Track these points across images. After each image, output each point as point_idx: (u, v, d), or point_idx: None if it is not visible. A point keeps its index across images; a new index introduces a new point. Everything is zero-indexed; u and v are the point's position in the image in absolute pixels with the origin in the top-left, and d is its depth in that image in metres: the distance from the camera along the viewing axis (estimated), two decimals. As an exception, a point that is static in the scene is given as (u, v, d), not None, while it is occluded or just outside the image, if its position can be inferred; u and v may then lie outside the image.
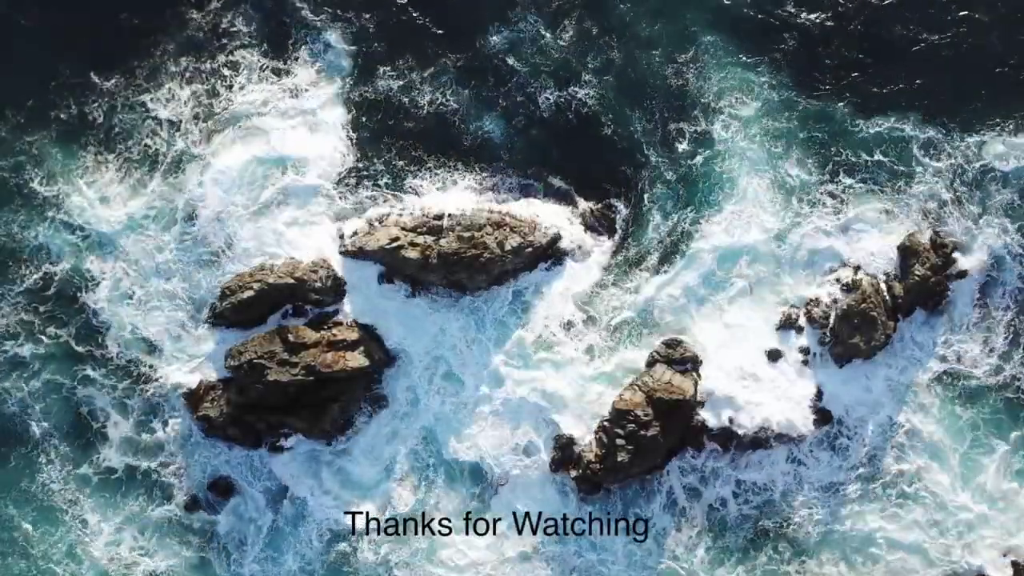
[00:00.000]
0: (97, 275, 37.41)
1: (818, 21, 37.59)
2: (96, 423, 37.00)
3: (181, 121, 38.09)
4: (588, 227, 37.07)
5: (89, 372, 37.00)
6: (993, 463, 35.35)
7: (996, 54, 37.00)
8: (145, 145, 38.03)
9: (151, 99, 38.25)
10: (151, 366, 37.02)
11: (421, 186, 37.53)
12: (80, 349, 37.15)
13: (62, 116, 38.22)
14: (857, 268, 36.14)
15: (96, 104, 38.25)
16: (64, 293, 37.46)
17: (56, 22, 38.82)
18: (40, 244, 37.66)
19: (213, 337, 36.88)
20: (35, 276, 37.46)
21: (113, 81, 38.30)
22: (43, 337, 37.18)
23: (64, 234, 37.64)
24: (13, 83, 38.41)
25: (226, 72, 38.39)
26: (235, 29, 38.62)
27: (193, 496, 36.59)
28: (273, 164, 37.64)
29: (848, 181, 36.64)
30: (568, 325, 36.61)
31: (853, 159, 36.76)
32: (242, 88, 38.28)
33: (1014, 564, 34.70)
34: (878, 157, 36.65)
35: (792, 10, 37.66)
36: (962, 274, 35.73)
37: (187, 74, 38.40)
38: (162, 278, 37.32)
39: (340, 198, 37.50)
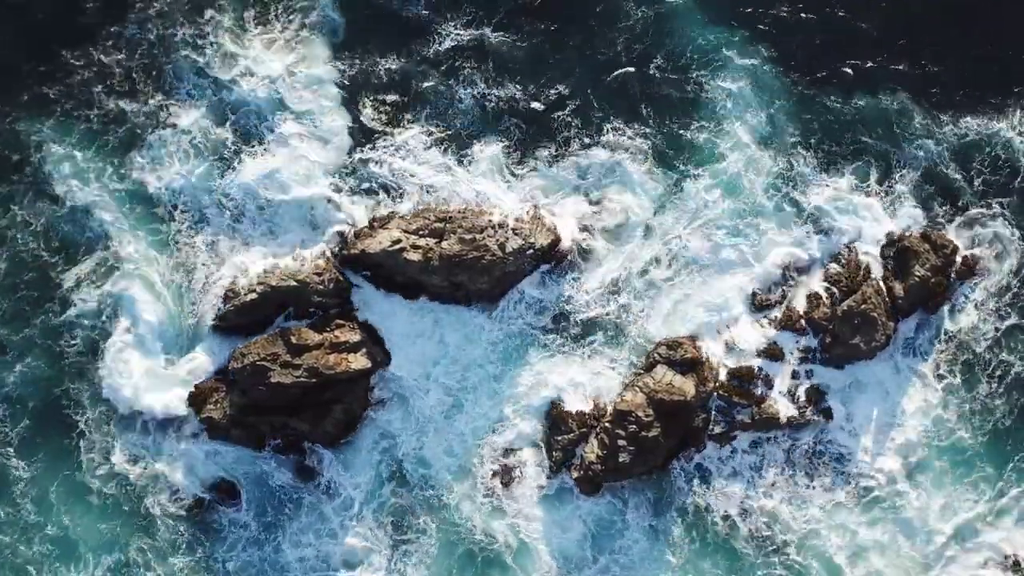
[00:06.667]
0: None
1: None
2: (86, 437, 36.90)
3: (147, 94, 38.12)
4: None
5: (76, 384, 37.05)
6: (990, 465, 35.61)
7: (987, 34, 37.09)
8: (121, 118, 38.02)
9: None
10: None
11: (420, 180, 37.55)
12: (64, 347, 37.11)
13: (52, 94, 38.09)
14: (848, 253, 36.37)
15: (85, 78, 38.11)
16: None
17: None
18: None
19: (215, 340, 36.94)
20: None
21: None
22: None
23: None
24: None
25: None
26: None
27: (196, 499, 36.61)
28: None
29: (839, 166, 36.81)
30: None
31: (843, 143, 36.88)
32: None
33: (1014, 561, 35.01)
34: (868, 140, 36.77)
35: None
36: (962, 273, 35.96)
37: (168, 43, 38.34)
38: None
39: (335, 189, 37.54)
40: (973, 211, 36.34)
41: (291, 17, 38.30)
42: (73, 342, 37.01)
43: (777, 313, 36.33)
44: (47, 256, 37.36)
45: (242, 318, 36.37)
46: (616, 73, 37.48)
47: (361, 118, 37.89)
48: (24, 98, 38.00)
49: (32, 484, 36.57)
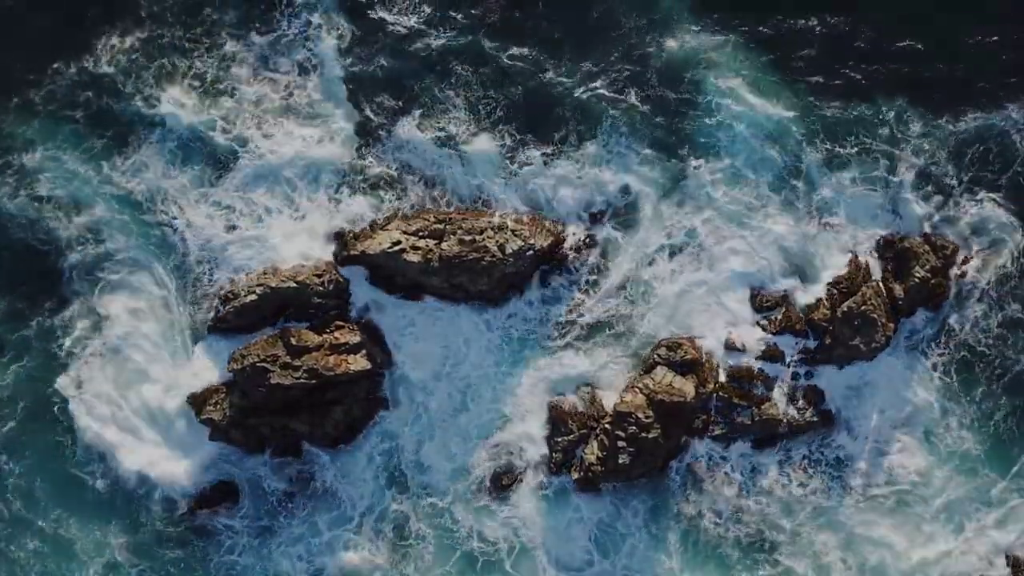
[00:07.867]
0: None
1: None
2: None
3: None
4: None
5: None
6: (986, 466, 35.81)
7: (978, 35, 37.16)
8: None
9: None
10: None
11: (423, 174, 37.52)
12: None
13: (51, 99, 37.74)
14: (852, 254, 36.45)
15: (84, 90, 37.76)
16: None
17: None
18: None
19: (215, 341, 36.68)
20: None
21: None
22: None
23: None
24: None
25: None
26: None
27: (196, 500, 36.37)
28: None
29: (840, 166, 36.74)
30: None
31: (845, 143, 36.79)
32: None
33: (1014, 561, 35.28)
34: (869, 140, 36.71)
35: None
36: (962, 273, 36.20)
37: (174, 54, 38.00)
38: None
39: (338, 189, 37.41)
40: (973, 208, 36.33)
41: (295, 16, 38.04)
42: (69, 344, 36.79)
43: (777, 314, 36.52)
44: (39, 256, 37.05)
45: (241, 319, 36.15)
46: (612, 74, 37.59)
47: (361, 119, 37.67)
48: (11, 97, 37.54)
49: (23, 483, 36.37)
